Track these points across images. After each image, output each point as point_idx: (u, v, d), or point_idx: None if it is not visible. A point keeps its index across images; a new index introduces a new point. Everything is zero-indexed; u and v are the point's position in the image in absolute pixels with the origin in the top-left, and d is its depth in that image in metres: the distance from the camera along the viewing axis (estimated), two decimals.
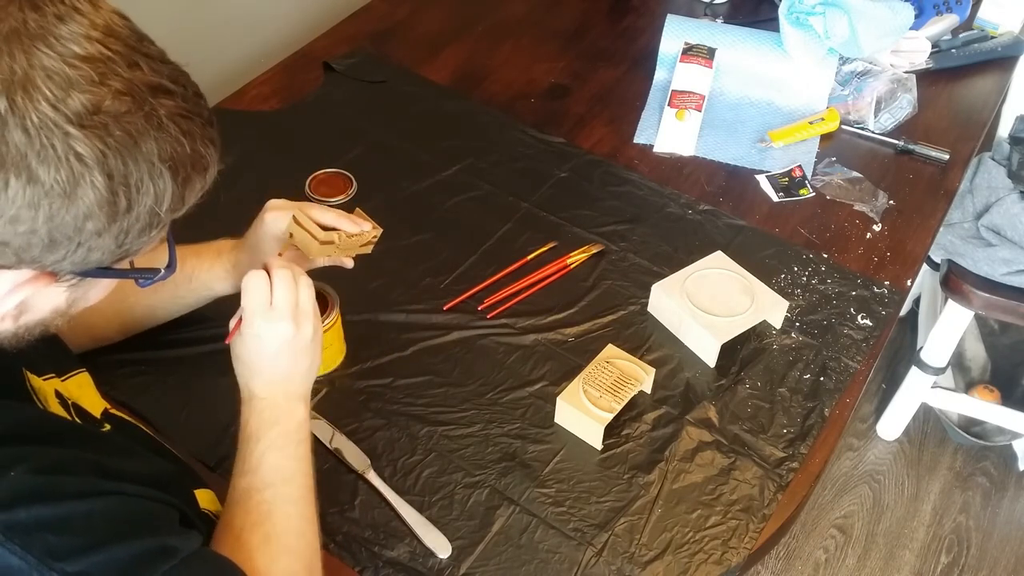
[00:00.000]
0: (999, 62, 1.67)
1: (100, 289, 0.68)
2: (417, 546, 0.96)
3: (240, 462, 0.85)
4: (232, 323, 0.89)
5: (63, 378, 0.80)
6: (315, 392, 1.07)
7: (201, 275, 1.04)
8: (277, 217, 0.98)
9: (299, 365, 0.89)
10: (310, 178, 1.34)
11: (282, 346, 0.87)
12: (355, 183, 1.34)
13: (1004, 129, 1.86)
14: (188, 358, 1.10)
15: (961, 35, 1.68)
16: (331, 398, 1.08)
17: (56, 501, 0.62)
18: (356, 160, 1.39)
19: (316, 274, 1.10)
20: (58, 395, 0.77)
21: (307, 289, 0.90)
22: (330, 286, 1.09)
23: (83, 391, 0.83)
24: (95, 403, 0.84)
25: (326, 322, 1.05)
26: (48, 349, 0.78)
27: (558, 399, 1.05)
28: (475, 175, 1.37)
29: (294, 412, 0.88)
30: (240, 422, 0.88)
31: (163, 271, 0.70)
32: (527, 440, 1.05)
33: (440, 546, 0.96)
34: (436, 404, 1.08)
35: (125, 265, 0.65)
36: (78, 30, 0.56)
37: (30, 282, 0.60)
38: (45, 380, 0.77)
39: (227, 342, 0.89)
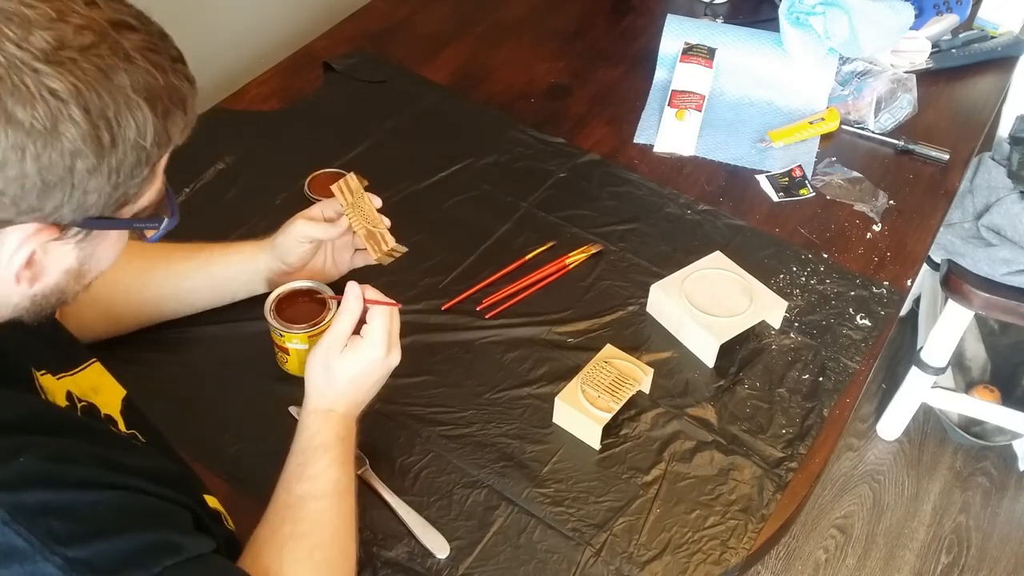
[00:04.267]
0: (999, 62, 1.67)
1: (109, 246, 0.68)
2: (415, 546, 0.96)
3: (301, 468, 0.88)
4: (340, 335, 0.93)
5: (73, 372, 0.81)
6: None
7: (243, 256, 1.09)
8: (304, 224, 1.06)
9: (374, 391, 0.97)
10: (309, 178, 1.34)
11: (382, 376, 0.96)
12: None
13: (1004, 129, 1.86)
14: (187, 359, 1.10)
15: (961, 35, 1.68)
16: None
17: (62, 488, 0.62)
18: (356, 160, 1.39)
19: (313, 274, 1.10)
20: (69, 396, 0.77)
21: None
22: (328, 287, 1.09)
23: (102, 380, 0.84)
24: (113, 392, 0.84)
25: (324, 322, 1.05)
26: (55, 346, 0.80)
27: (556, 399, 1.05)
28: (474, 175, 1.37)
29: (353, 430, 0.94)
30: (308, 430, 0.91)
31: (167, 220, 0.70)
32: (525, 440, 1.06)
33: (438, 546, 0.96)
34: (434, 404, 1.08)
35: (128, 217, 0.66)
36: None
37: (35, 235, 0.60)
38: (58, 379, 0.77)
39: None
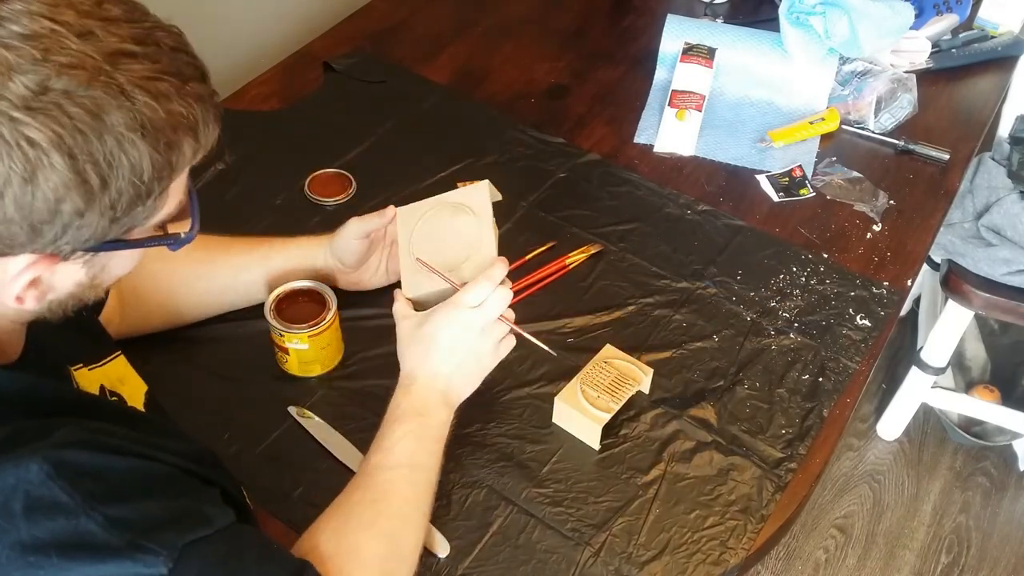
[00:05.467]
0: (999, 62, 1.67)
1: (123, 259, 0.67)
2: None
3: (379, 439, 0.90)
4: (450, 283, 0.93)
5: (103, 363, 0.82)
6: (312, 392, 1.08)
7: (302, 251, 1.11)
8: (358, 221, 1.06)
9: (466, 373, 0.95)
10: (309, 178, 1.34)
11: (474, 347, 0.93)
12: (355, 183, 1.35)
13: (1004, 129, 1.86)
14: (187, 359, 1.11)
15: (961, 35, 1.68)
16: (329, 398, 1.08)
17: (98, 452, 0.63)
18: (356, 160, 1.39)
19: (312, 274, 1.10)
20: (101, 390, 0.79)
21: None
22: (328, 286, 1.09)
23: (127, 372, 0.85)
24: (137, 386, 0.86)
25: (324, 322, 1.05)
26: (86, 335, 0.82)
27: (556, 399, 1.05)
28: (475, 175, 1.37)
29: (440, 411, 0.93)
30: (392, 402, 0.93)
31: (185, 234, 0.68)
32: (525, 440, 1.06)
33: (439, 545, 0.96)
34: None
35: (147, 233, 0.65)
36: (20, 7, 0.54)
37: (35, 265, 0.59)
38: (91, 371, 0.79)
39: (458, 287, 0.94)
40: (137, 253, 0.67)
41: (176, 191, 0.64)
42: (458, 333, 0.92)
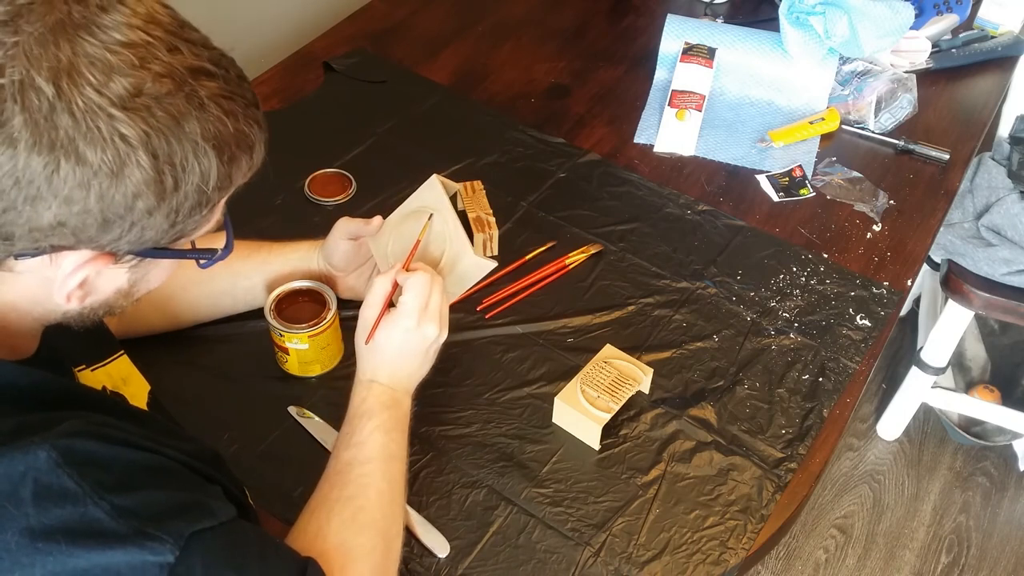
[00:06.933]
0: (999, 62, 1.67)
1: (161, 270, 0.71)
2: (415, 545, 0.96)
3: (348, 436, 0.91)
4: (368, 319, 0.95)
5: (106, 363, 0.83)
6: (312, 392, 1.08)
7: (299, 255, 1.11)
8: (347, 222, 1.08)
9: (423, 366, 0.98)
10: (309, 178, 1.34)
11: (420, 346, 0.96)
12: (355, 183, 1.35)
13: (1004, 129, 1.86)
14: (187, 358, 1.11)
15: (961, 35, 1.68)
16: (329, 398, 1.08)
17: (106, 443, 0.65)
18: (356, 160, 1.39)
19: (310, 277, 1.10)
20: (103, 390, 0.80)
21: (444, 296, 0.98)
22: (327, 286, 1.09)
23: (131, 372, 0.86)
24: (140, 385, 0.87)
25: (324, 322, 1.05)
26: (91, 335, 0.82)
27: (556, 399, 1.05)
28: (475, 175, 1.37)
29: (403, 402, 0.96)
30: (355, 398, 0.94)
31: (220, 251, 0.72)
32: (525, 440, 1.06)
33: (438, 546, 0.96)
34: (434, 404, 1.08)
35: (185, 245, 0.68)
36: (120, 19, 0.59)
37: (90, 262, 0.63)
38: (93, 371, 0.80)
39: (367, 343, 0.95)
40: (172, 267, 0.72)
41: (220, 208, 0.68)
42: (401, 340, 0.95)
